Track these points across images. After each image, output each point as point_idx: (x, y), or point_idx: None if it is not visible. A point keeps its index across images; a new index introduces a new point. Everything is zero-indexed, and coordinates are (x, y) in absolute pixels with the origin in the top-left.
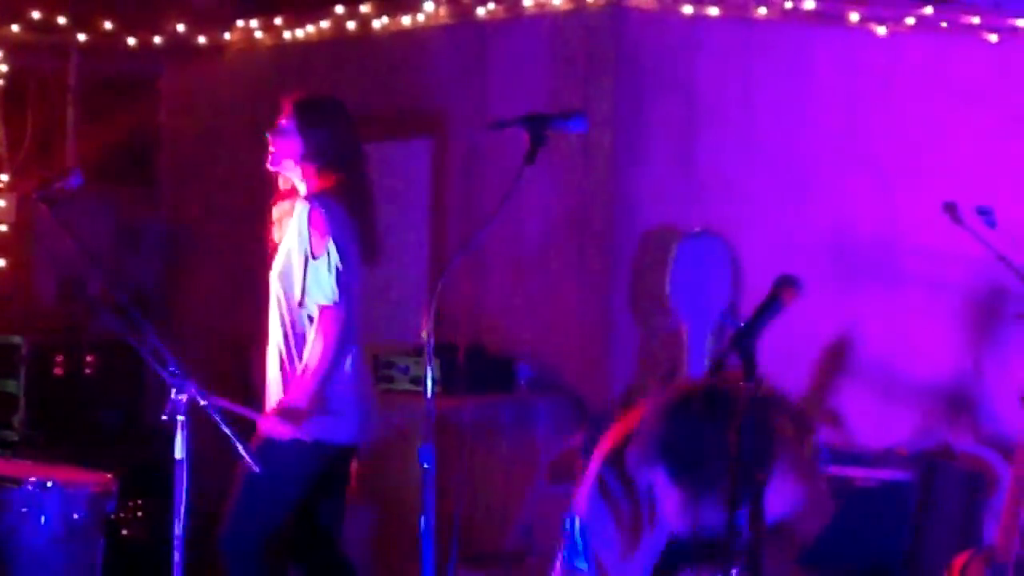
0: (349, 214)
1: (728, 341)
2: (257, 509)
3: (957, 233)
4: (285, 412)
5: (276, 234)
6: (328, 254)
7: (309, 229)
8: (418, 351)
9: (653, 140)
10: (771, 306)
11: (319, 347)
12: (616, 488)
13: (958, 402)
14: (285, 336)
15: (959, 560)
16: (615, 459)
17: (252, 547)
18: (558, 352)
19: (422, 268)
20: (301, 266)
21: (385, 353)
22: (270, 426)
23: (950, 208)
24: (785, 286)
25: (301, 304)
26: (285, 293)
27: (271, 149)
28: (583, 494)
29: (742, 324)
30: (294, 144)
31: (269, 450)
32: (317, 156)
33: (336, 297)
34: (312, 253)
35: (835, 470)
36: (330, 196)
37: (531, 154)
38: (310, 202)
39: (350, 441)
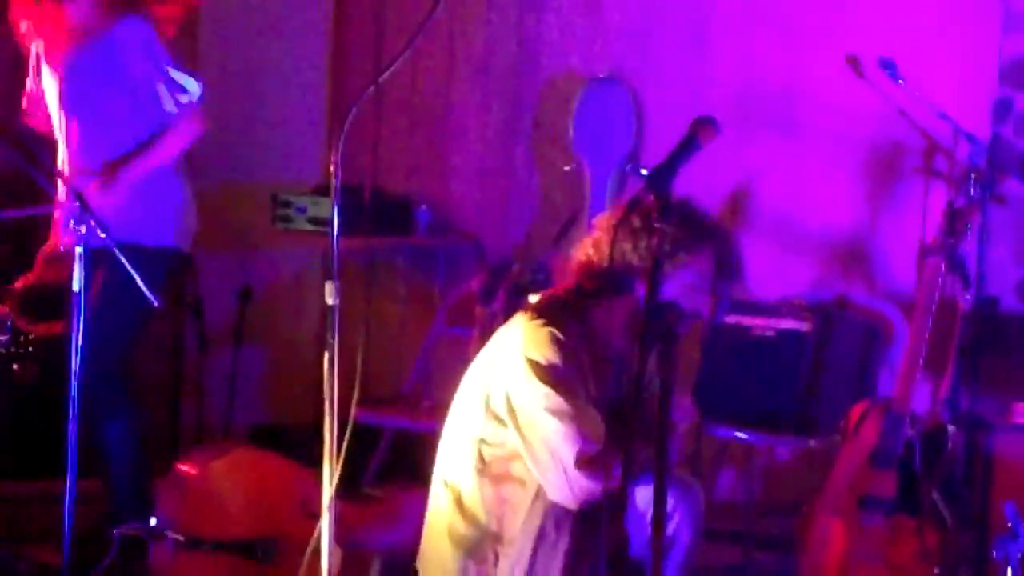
0: None
1: (645, 180)
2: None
3: (859, 86)
4: None
5: None
6: None
7: None
8: (316, 191)
9: None
10: (688, 146)
11: None
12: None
13: (854, 255)
14: None
15: (856, 409)
16: None
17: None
18: (458, 196)
19: (319, 108)
20: None
21: (283, 192)
22: None
23: (853, 61)
24: (702, 127)
25: None
26: None
27: None
28: None
29: (650, 167)
30: None
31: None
32: None
33: None
34: None
35: (733, 319)
36: None
37: None
38: None
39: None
